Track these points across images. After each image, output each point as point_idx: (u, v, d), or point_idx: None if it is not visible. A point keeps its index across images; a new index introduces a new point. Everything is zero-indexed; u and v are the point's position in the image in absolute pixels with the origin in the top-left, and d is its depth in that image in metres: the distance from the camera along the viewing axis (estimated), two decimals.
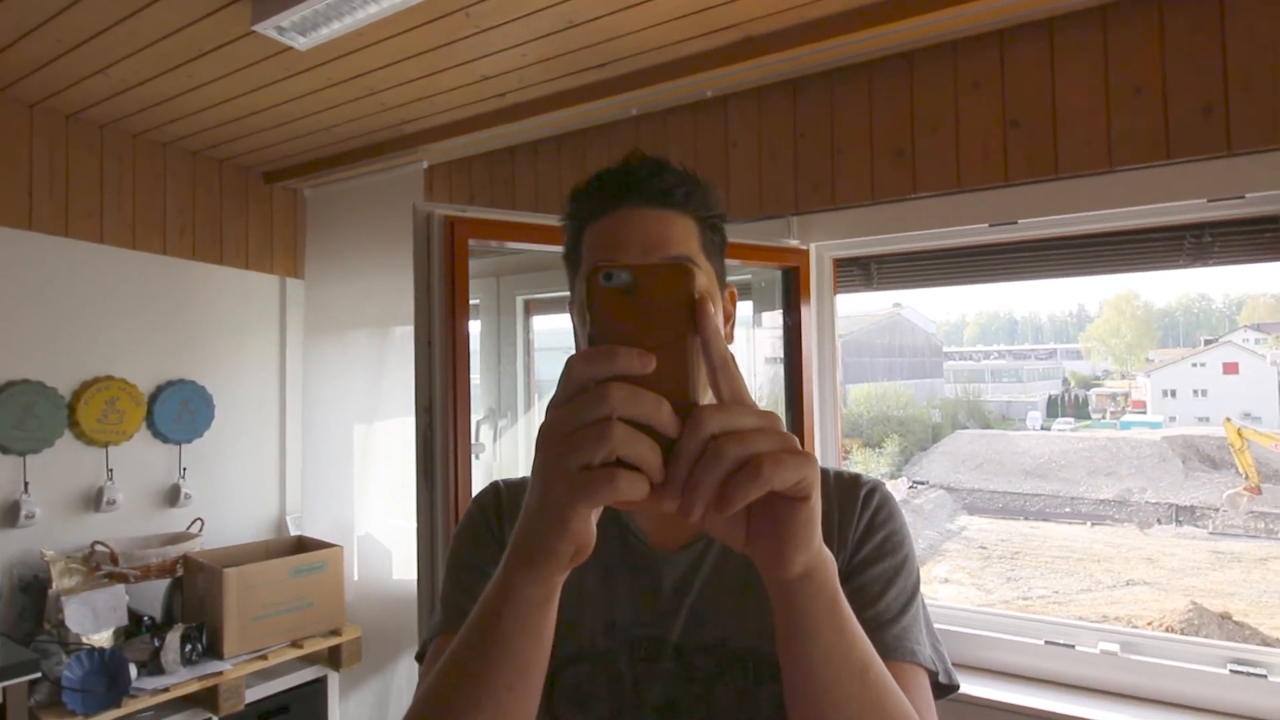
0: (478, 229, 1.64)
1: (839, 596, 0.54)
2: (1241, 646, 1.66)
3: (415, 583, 1.60)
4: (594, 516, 0.49)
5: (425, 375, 1.56)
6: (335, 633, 2.57)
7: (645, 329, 0.46)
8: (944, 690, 0.75)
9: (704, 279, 0.77)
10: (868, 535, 0.77)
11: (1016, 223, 1.85)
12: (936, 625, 1.84)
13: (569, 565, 0.51)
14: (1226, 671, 1.60)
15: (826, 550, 0.53)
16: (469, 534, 0.85)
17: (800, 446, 0.47)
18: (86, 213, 2.56)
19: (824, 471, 0.83)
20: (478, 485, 2.46)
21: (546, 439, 0.47)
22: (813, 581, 0.52)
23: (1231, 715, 1.57)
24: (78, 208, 2.54)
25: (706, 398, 0.47)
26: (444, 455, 1.54)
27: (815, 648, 0.53)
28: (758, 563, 0.51)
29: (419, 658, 0.83)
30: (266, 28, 1.77)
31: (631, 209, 0.77)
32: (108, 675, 2.09)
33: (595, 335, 0.47)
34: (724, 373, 0.47)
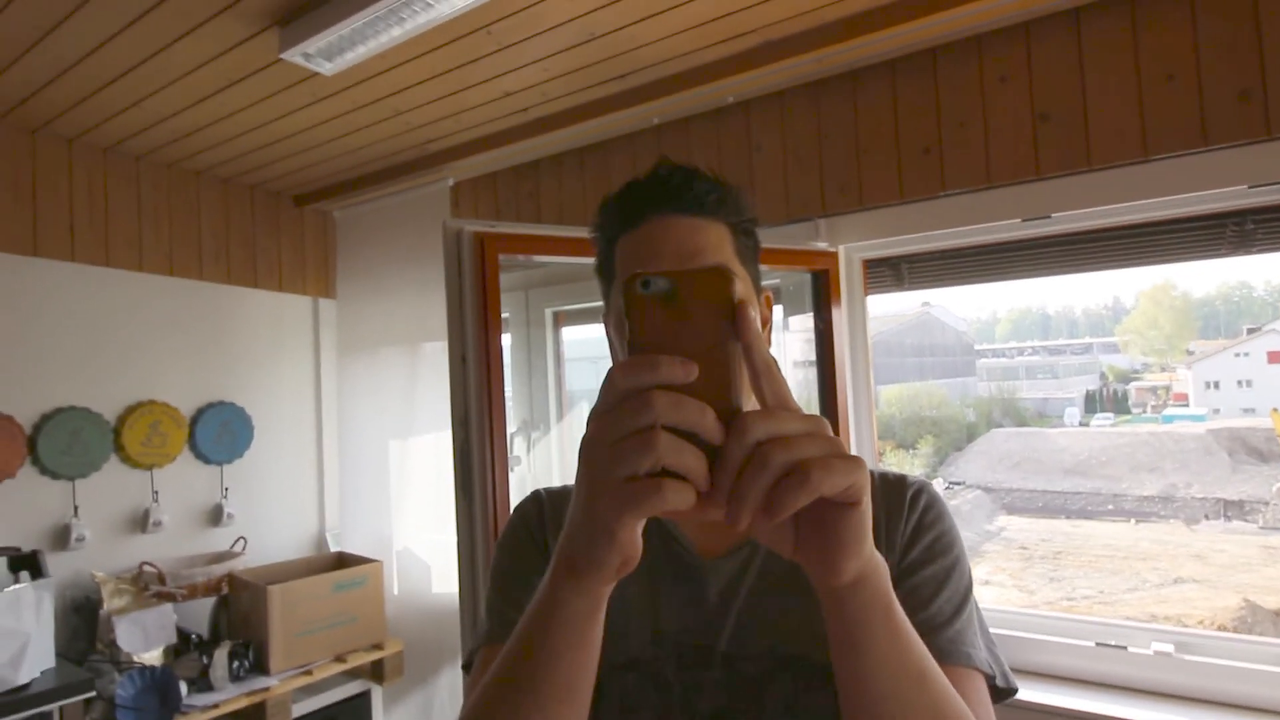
0: (507, 244, 1.65)
1: (893, 602, 0.53)
2: None
3: (456, 595, 1.61)
4: (640, 527, 0.49)
5: (460, 389, 1.57)
6: (378, 647, 2.60)
7: (685, 336, 0.45)
8: (1001, 694, 0.73)
9: (740, 287, 0.77)
10: (917, 537, 0.76)
11: (1050, 217, 1.82)
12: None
13: (616, 577, 0.50)
14: None
15: (878, 555, 0.52)
16: (512, 543, 0.85)
17: (848, 450, 0.46)
18: (126, 242, 2.62)
19: (870, 473, 0.82)
20: (515, 497, 2.47)
21: (590, 450, 0.46)
22: (865, 588, 0.51)
23: None
24: (117, 238, 2.60)
25: (750, 404, 0.47)
26: (481, 468, 1.55)
27: (870, 656, 0.53)
28: (808, 570, 0.51)
29: (465, 667, 0.84)
30: (294, 55, 1.81)
31: (663, 218, 0.77)
32: (159, 693, 2.13)
33: (635, 344, 0.46)
34: (767, 377, 0.47)
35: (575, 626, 0.53)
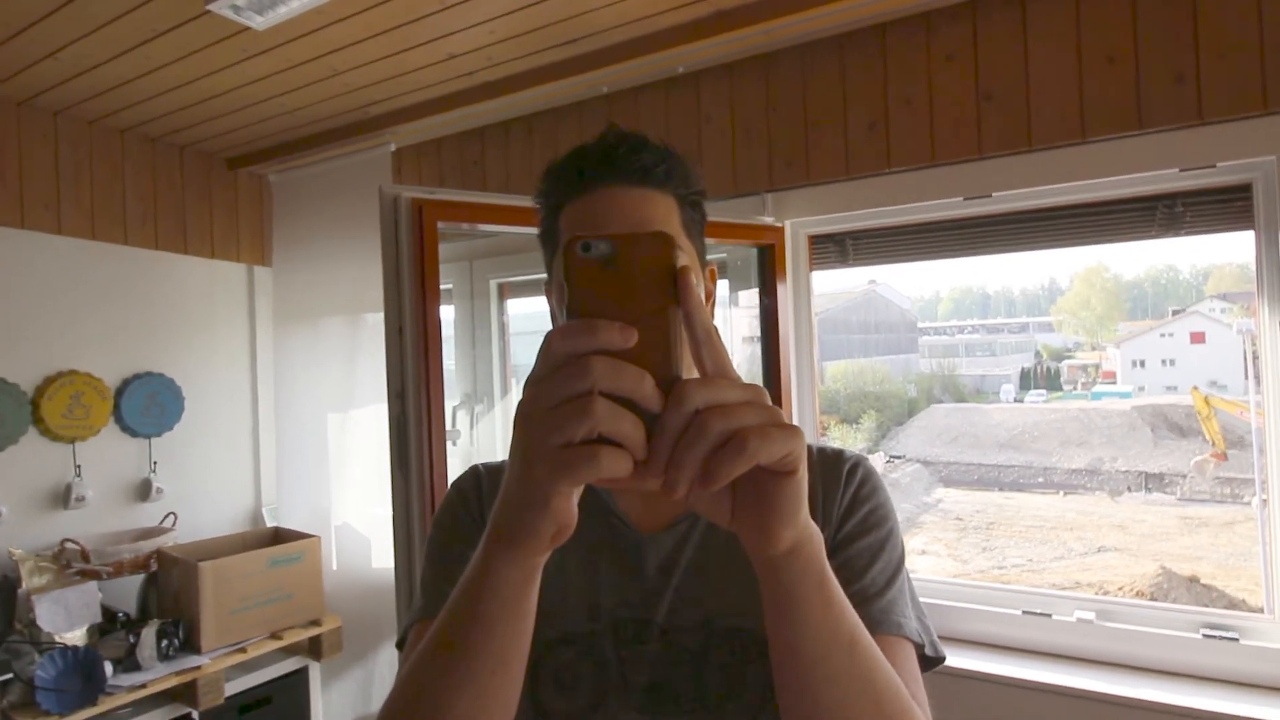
0: (447, 211, 1.61)
1: (826, 571, 0.54)
2: (1213, 611, 1.70)
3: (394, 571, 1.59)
4: (576, 495, 0.48)
5: (397, 362, 1.53)
6: (315, 623, 2.55)
7: (625, 301, 0.44)
8: (930, 663, 0.75)
9: (685, 259, 0.75)
10: (852, 510, 0.77)
11: (991, 196, 1.85)
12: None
13: (550, 546, 0.49)
14: (1199, 636, 1.63)
15: (813, 524, 0.52)
16: (449, 519, 0.83)
17: (786, 419, 0.46)
18: (43, 204, 2.48)
19: (808, 448, 0.83)
20: (454, 472, 2.44)
21: (525, 416, 0.45)
22: (800, 556, 0.51)
23: (1205, 678, 1.61)
24: (33, 198, 2.46)
25: (689, 372, 0.46)
26: (418, 442, 1.51)
27: (803, 623, 0.53)
28: (744, 539, 0.50)
29: (399, 645, 0.82)
30: (221, 7, 1.72)
31: (610, 188, 0.75)
32: (82, 674, 2.05)
33: (573, 308, 0.45)
34: (708, 345, 0.46)
35: (508, 596, 0.52)
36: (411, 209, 1.54)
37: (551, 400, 0.43)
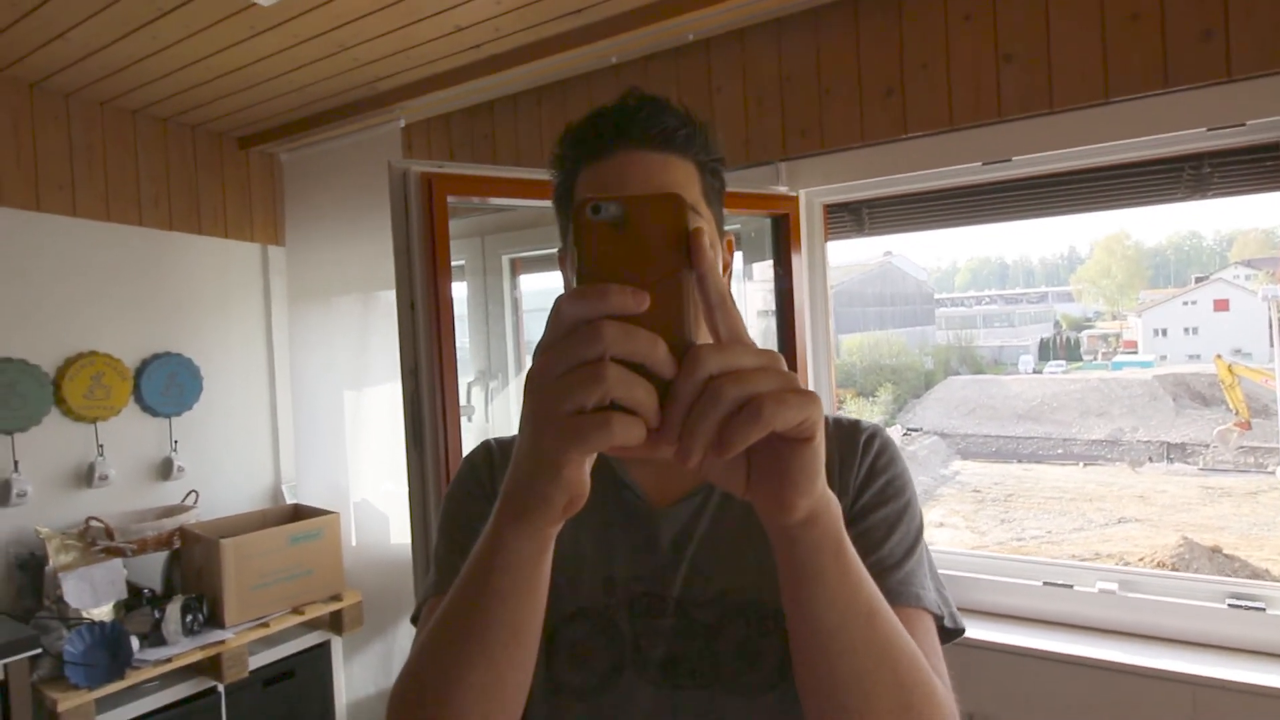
0: (456, 185, 1.59)
1: (844, 540, 0.53)
2: (1239, 581, 1.67)
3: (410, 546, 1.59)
4: (588, 464, 0.47)
5: (410, 338, 1.52)
6: (336, 598, 2.58)
7: (637, 265, 0.43)
8: (949, 635, 0.74)
9: (705, 227, 0.74)
10: (869, 480, 0.76)
11: (1010, 160, 1.80)
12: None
13: (562, 517, 0.48)
14: (1225, 606, 1.61)
15: (830, 493, 0.51)
16: (461, 493, 0.83)
17: (801, 385, 0.45)
18: (58, 186, 2.49)
19: (824, 418, 0.81)
20: (468, 448, 2.45)
21: (536, 383, 0.44)
22: (816, 526, 0.50)
23: (1231, 649, 1.59)
24: (48, 181, 2.47)
25: (703, 337, 0.44)
26: (432, 418, 1.51)
27: (820, 594, 0.52)
28: (759, 509, 0.49)
29: (414, 619, 0.82)
30: None
31: (630, 152, 0.73)
32: (109, 648, 2.09)
33: (584, 272, 0.44)
34: (721, 310, 0.44)
35: (521, 568, 0.52)
36: (421, 183, 1.53)
37: (561, 366, 0.42)
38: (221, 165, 2.95)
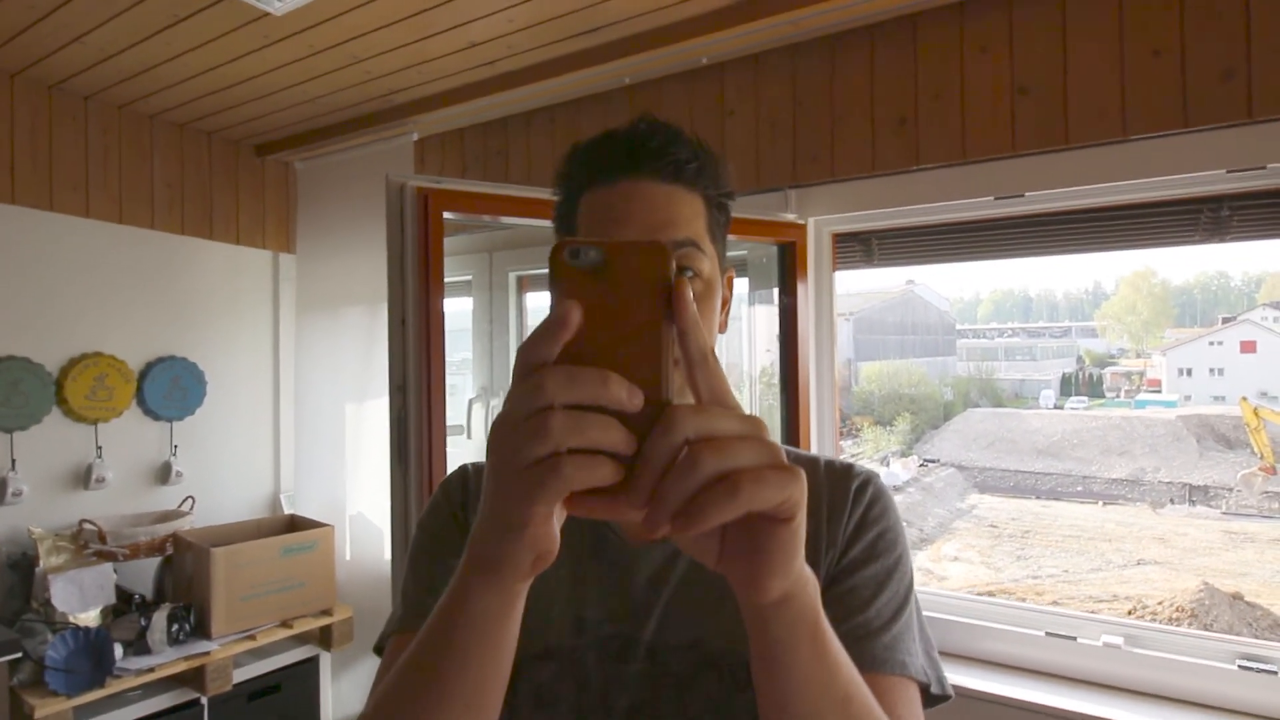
0: (454, 201, 1.57)
1: (820, 621, 0.49)
2: (1251, 641, 1.60)
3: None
4: (557, 519, 0.44)
5: (399, 354, 1.50)
6: (326, 612, 2.55)
7: (614, 314, 0.40)
8: (935, 700, 0.70)
9: (707, 264, 0.71)
10: (859, 533, 0.72)
11: (1024, 195, 1.76)
12: (935, 615, 1.78)
13: (531, 573, 0.46)
14: (1235, 667, 1.54)
15: (808, 570, 0.47)
16: (432, 523, 0.80)
17: (785, 460, 0.41)
18: (71, 186, 2.51)
19: (814, 460, 0.78)
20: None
21: (495, 434, 0.41)
22: (792, 607, 0.46)
23: (1241, 713, 1.51)
24: (62, 181, 2.49)
25: (682, 397, 0.42)
26: (418, 436, 1.48)
27: (793, 677, 0.48)
28: (732, 584, 0.46)
29: (377, 650, 0.78)
30: None
31: (637, 182, 0.70)
32: (92, 655, 2.07)
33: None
34: (702, 369, 0.41)
35: (485, 626, 0.49)
36: (418, 198, 1.51)
37: (516, 418, 0.40)
38: (236, 171, 2.97)
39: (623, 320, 0.40)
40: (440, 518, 0.79)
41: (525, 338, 0.41)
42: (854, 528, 0.73)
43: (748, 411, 0.44)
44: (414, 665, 0.52)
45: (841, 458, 0.80)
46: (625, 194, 0.70)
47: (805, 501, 0.42)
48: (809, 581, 0.47)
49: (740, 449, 0.39)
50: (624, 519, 0.41)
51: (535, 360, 0.40)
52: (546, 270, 0.43)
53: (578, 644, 0.71)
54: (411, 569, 0.78)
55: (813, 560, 0.69)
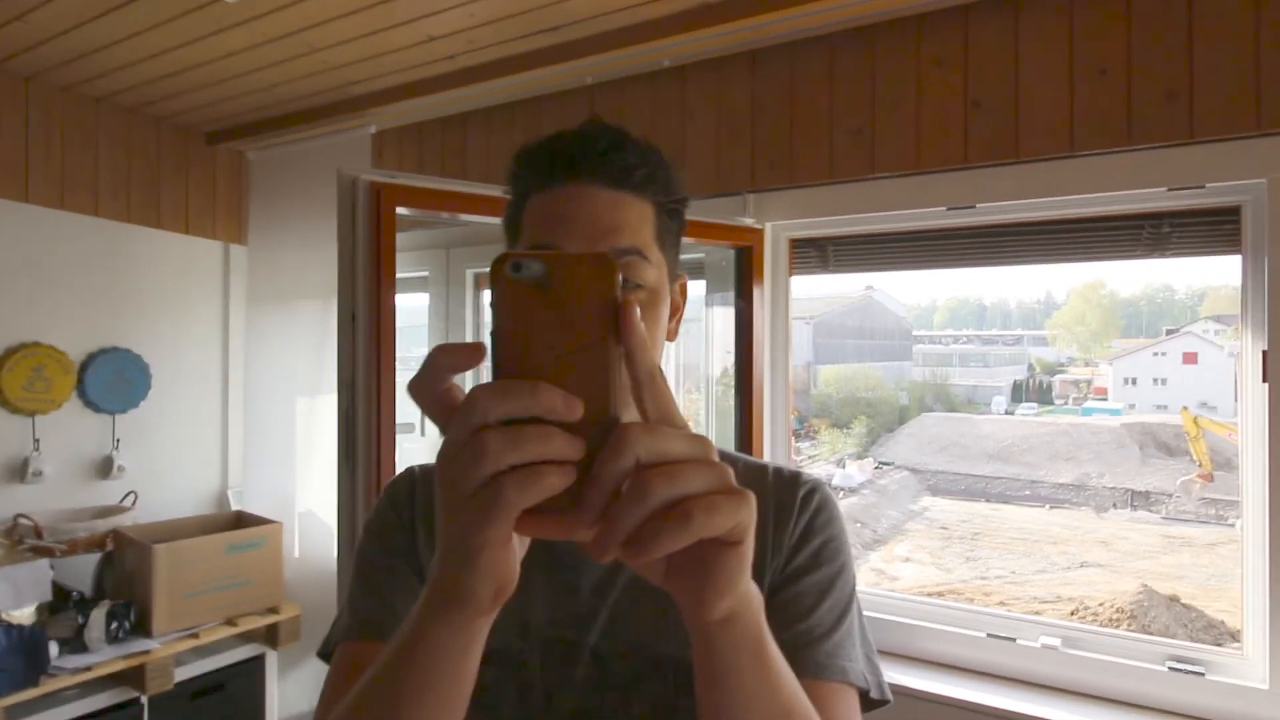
0: (407, 197, 1.55)
1: (764, 638, 0.49)
2: (1180, 644, 1.65)
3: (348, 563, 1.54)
4: (515, 546, 0.43)
5: (349, 350, 1.47)
6: (273, 610, 2.50)
7: (558, 332, 0.39)
8: (874, 704, 0.71)
9: (652, 273, 0.70)
10: (804, 541, 0.73)
11: (975, 207, 1.80)
12: (880, 616, 1.81)
13: (492, 608, 0.44)
14: (1165, 669, 1.59)
15: (754, 588, 0.47)
16: (378, 525, 0.78)
17: (734, 482, 0.41)
18: (9, 170, 2.42)
19: (762, 468, 0.79)
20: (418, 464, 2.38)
21: (439, 465, 0.40)
22: (736, 626, 0.46)
23: (1168, 712, 1.56)
24: None
25: (628, 414, 0.41)
26: (366, 434, 1.46)
27: (737, 694, 0.48)
28: (678, 601, 0.45)
29: (322, 655, 0.77)
30: None
31: (582, 186, 0.69)
32: (26, 653, 2.00)
33: (498, 337, 0.40)
34: (650, 388, 0.41)
35: (445, 663, 0.47)
36: (370, 192, 1.49)
37: (455, 445, 0.39)
38: (187, 159, 2.90)
39: (567, 336, 0.39)
40: (385, 523, 0.78)
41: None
42: (799, 535, 0.73)
43: (707, 411, 0.44)
44: (370, 698, 0.51)
45: (789, 466, 0.81)
46: (570, 198, 0.69)
47: (754, 524, 0.42)
48: (754, 599, 0.47)
49: (691, 474, 0.39)
50: (574, 538, 0.40)
51: (441, 368, 0.40)
52: None
53: (522, 647, 0.71)
54: (357, 576, 0.77)
55: (758, 567, 0.69)
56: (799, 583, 0.71)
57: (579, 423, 0.39)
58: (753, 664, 0.48)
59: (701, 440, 0.41)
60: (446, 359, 0.41)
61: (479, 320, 2.61)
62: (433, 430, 2.51)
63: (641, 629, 0.70)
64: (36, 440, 2.47)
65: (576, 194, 0.69)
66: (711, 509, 0.39)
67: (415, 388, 0.43)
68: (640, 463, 0.38)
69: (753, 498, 0.41)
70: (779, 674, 0.50)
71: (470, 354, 0.42)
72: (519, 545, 0.44)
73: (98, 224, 2.62)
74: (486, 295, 2.14)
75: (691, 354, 2.30)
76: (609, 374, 0.40)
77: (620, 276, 0.41)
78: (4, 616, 2.09)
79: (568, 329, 0.39)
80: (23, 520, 2.30)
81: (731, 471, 0.41)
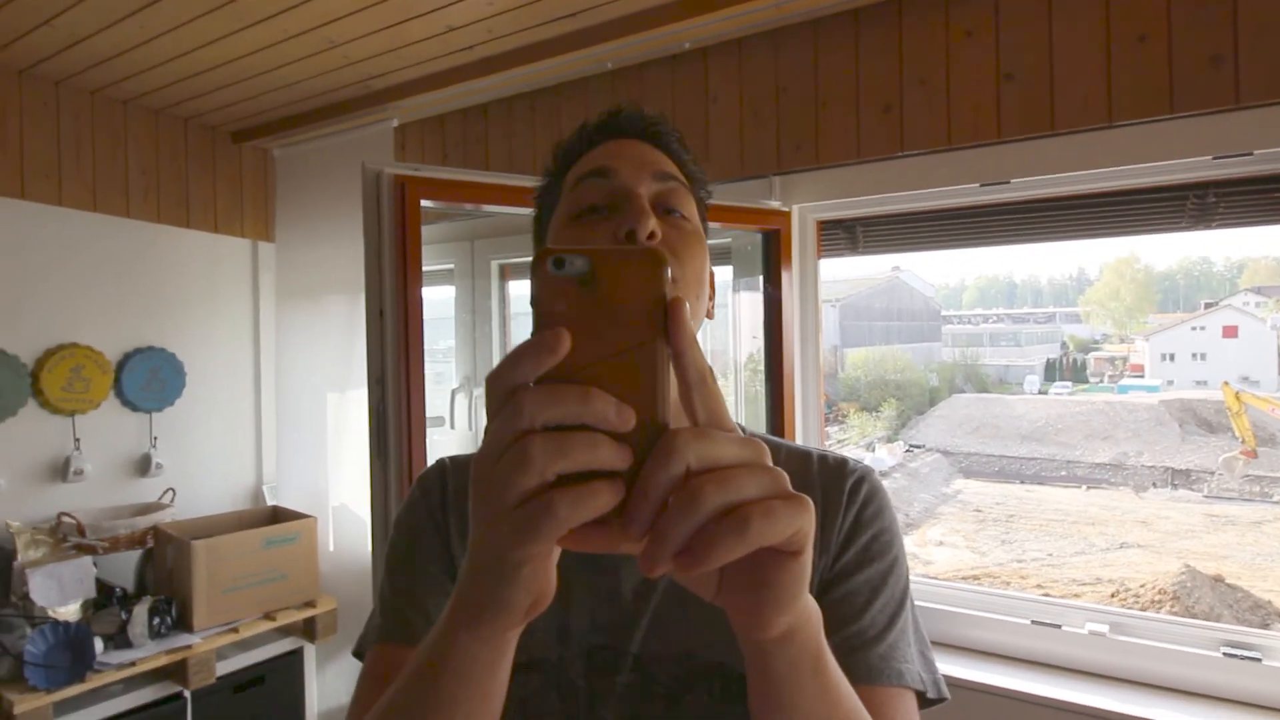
0: (431, 189, 1.54)
1: (823, 654, 0.46)
2: (1235, 629, 1.60)
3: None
4: (554, 556, 0.41)
5: (377, 346, 1.47)
6: (310, 604, 2.53)
7: (603, 331, 0.37)
8: (932, 703, 0.68)
9: (695, 209, 0.72)
10: (854, 534, 0.70)
11: (1009, 182, 1.74)
12: (921, 604, 1.78)
13: (525, 619, 0.42)
14: (1220, 654, 1.55)
15: (812, 603, 0.44)
16: (409, 523, 0.77)
17: (790, 487, 0.38)
18: (43, 174, 2.45)
19: (807, 455, 0.76)
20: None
21: (476, 472, 0.38)
22: (794, 642, 0.43)
23: (1225, 699, 1.52)
24: (33, 168, 2.43)
25: (679, 421, 0.38)
26: (397, 429, 1.46)
27: (794, 713, 0.46)
28: (731, 618, 0.43)
29: (357, 654, 0.76)
30: None
31: (624, 141, 0.72)
32: (72, 649, 2.04)
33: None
34: (700, 390, 0.38)
35: (476, 676, 0.45)
36: (395, 186, 1.48)
37: (495, 450, 0.36)
38: (214, 159, 2.92)
39: (613, 336, 0.37)
40: (417, 518, 0.77)
41: (498, 362, 0.38)
42: (849, 529, 0.70)
43: (736, 397, 0.41)
44: (397, 711, 0.49)
45: (835, 451, 0.78)
46: (609, 149, 0.71)
47: (813, 532, 0.39)
48: (813, 614, 0.45)
49: (745, 479, 0.37)
50: (622, 551, 0.38)
51: (510, 384, 0.37)
52: (529, 259, 0.40)
53: (563, 655, 0.69)
54: (389, 574, 0.75)
55: None
56: (849, 580, 0.67)
57: None
58: (811, 681, 0.45)
59: (754, 444, 0.39)
60: (530, 363, 0.37)
61: (504, 312, 2.60)
62: (462, 423, 2.52)
63: (687, 634, 0.68)
64: (77, 440, 2.51)
65: (616, 145, 0.72)
66: (769, 515, 0.36)
67: (491, 383, 0.40)
68: (690, 470, 0.36)
69: (811, 505, 0.39)
70: (837, 688, 0.48)
71: (550, 355, 0.38)
72: (555, 553, 0.41)
73: (129, 225, 2.65)
74: (512, 286, 2.12)
75: (718, 340, 2.27)
76: (657, 376, 0.37)
77: (669, 271, 0.38)
78: (51, 613, 2.14)
79: (614, 328, 0.37)
80: (66, 519, 2.34)
81: (787, 477, 0.39)
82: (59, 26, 2.07)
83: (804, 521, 0.38)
